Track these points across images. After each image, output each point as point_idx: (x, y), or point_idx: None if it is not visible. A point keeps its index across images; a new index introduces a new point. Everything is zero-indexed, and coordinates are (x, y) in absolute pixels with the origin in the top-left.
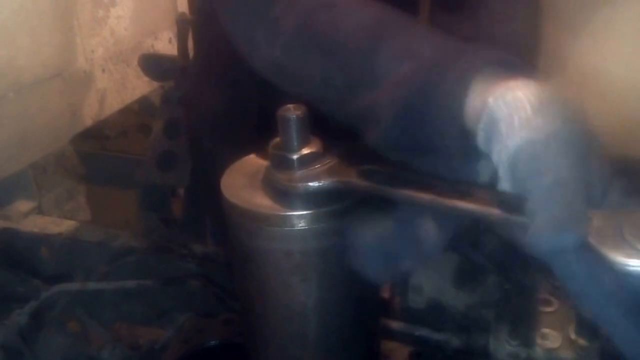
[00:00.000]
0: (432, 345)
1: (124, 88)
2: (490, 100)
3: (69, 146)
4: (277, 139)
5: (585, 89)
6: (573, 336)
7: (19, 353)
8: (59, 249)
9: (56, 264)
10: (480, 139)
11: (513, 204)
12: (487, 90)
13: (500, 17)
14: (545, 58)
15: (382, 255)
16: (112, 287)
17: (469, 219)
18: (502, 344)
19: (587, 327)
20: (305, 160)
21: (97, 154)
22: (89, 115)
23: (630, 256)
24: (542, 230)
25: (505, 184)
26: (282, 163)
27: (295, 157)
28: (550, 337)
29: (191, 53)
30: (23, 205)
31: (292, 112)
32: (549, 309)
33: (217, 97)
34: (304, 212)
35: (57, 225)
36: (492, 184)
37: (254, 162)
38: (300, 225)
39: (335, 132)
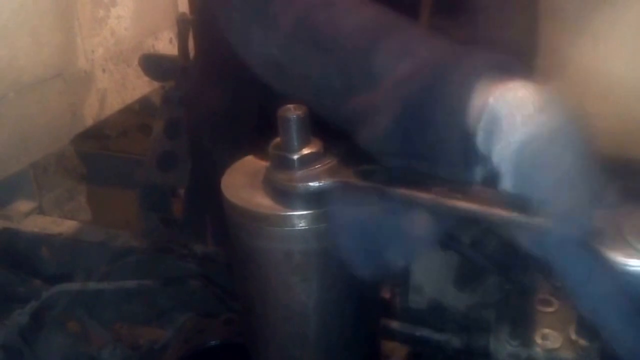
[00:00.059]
0: (432, 345)
1: (124, 88)
2: (491, 100)
3: (69, 146)
4: (278, 139)
5: (585, 90)
6: (573, 336)
7: (19, 353)
8: (59, 249)
9: (57, 264)
10: (480, 139)
11: (514, 203)
12: (487, 91)
13: (499, 20)
14: (545, 59)
15: (367, 244)
16: (112, 287)
17: (469, 219)
18: (503, 345)
19: (588, 328)
20: (305, 161)
21: (98, 154)
22: (90, 115)
23: (630, 256)
24: (554, 220)
25: (507, 182)
26: (282, 163)
27: (295, 157)
28: (550, 338)
29: (192, 53)
30: (23, 205)
31: (293, 112)
32: (549, 310)
33: (218, 97)
34: (305, 212)
35: (58, 225)
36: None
37: (254, 162)
38: (301, 225)
39: (335, 132)
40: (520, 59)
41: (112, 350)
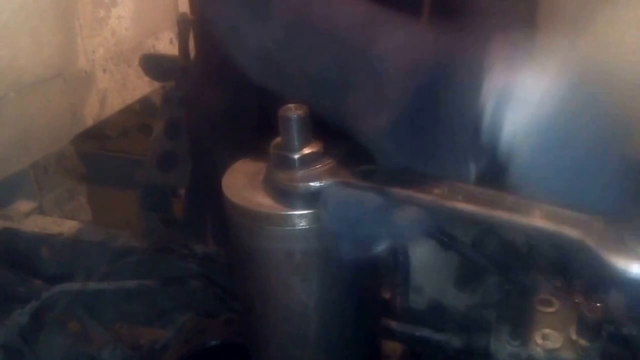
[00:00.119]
0: (432, 345)
1: (124, 88)
2: (500, 82)
3: (69, 146)
4: (278, 139)
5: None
6: (574, 336)
7: (19, 353)
8: (59, 249)
9: (57, 264)
10: (488, 117)
11: (514, 205)
12: (495, 77)
13: (499, 20)
14: (544, 58)
15: (354, 229)
16: (112, 287)
17: (470, 220)
18: (503, 344)
19: (588, 328)
20: (306, 160)
21: (98, 154)
22: (90, 115)
23: (631, 261)
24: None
25: (516, 165)
26: (283, 163)
27: (296, 156)
28: (551, 338)
29: (192, 53)
30: (24, 206)
31: (293, 111)
32: (549, 310)
33: (218, 98)
34: (305, 212)
35: (58, 225)
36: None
37: (254, 162)
38: (301, 224)
39: (335, 132)
40: (520, 55)
41: (112, 350)
